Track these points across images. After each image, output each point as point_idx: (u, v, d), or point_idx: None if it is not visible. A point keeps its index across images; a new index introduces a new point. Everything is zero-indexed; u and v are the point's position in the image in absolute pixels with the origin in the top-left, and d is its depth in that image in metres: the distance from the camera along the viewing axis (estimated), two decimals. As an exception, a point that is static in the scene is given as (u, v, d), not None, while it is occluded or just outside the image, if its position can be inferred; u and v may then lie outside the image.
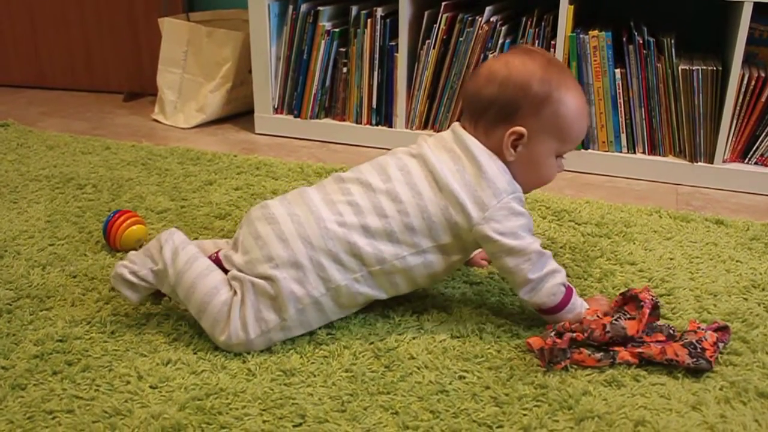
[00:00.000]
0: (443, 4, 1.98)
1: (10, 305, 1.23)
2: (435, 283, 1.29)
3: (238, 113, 2.42)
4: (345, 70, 2.13)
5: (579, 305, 1.16)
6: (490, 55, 1.95)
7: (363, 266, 1.12)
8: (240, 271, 1.11)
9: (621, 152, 1.94)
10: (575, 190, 1.84)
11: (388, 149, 2.07)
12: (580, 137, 1.19)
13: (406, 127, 2.10)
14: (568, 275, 1.33)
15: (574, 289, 1.17)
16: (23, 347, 1.11)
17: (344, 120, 2.17)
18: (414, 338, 1.14)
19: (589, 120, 1.22)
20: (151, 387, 1.02)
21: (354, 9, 2.08)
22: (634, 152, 1.93)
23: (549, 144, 1.15)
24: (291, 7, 2.13)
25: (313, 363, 1.08)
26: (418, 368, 1.07)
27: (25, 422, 0.95)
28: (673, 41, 1.81)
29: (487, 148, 1.14)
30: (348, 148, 2.14)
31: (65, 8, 2.71)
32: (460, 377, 1.05)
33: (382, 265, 1.12)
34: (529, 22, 1.93)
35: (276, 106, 2.23)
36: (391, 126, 2.12)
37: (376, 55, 2.07)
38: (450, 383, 1.03)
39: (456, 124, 1.19)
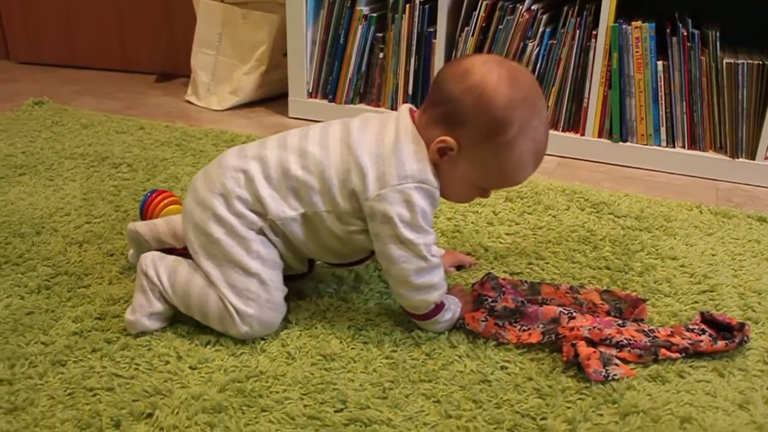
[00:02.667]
0: (483, -10, 1.96)
1: (49, 282, 1.23)
2: (353, 254, 1.17)
3: (272, 97, 2.41)
4: (381, 55, 2.11)
5: (446, 319, 1.10)
6: (529, 44, 1.92)
7: (266, 215, 1.07)
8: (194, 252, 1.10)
9: (660, 146, 1.91)
10: (613, 182, 1.81)
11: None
12: (514, 184, 1.10)
13: (442, 115, 2.08)
14: (608, 268, 1.32)
15: (446, 304, 1.09)
16: (62, 324, 1.11)
17: (379, 106, 2.16)
18: (455, 327, 1.13)
19: (532, 171, 1.08)
20: (190, 368, 1.02)
21: (392, -6, 2.06)
22: (674, 146, 1.90)
23: (475, 173, 1.06)
24: (328, -9, 2.11)
25: (353, 348, 1.07)
26: (460, 357, 1.05)
27: (66, 398, 0.95)
28: (718, 34, 1.78)
29: (421, 136, 1.06)
30: (382, 134, 2.13)
31: (100, -12, 2.71)
32: (502, 367, 1.03)
33: (282, 220, 1.07)
34: (570, 12, 1.90)
35: (310, 91, 2.22)
36: (426, 113, 2.09)
37: (414, 41, 2.05)
38: (492, 373, 1.02)
39: (405, 105, 1.12)
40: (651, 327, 1.11)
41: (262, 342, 1.07)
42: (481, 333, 1.10)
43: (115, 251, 1.34)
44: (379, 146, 1.05)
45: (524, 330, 1.09)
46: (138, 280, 1.11)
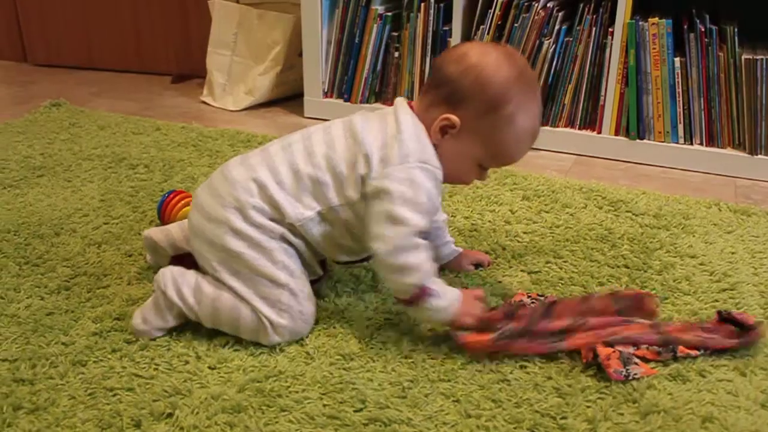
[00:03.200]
0: (499, -12, 1.95)
1: (68, 282, 1.24)
2: (363, 250, 1.14)
3: (287, 97, 2.41)
4: (396, 54, 2.11)
5: (436, 307, 1.05)
6: (545, 42, 1.92)
7: (283, 220, 1.07)
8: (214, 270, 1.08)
9: (677, 143, 1.89)
10: (630, 180, 1.80)
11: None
12: (511, 161, 1.13)
13: (458, 114, 2.07)
14: (626, 266, 1.31)
15: (433, 290, 1.04)
16: (82, 324, 1.12)
17: (394, 105, 2.15)
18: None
19: (528, 148, 1.12)
20: (210, 368, 1.02)
21: (407, -7, 2.06)
22: (691, 143, 1.89)
23: (475, 149, 1.09)
24: (343, -9, 2.11)
25: (371, 348, 1.07)
26: (479, 357, 1.05)
27: (87, 398, 0.96)
28: (736, 30, 1.76)
29: (421, 121, 1.09)
30: (398, 133, 2.12)
31: (116, -11, 2.73)
32: (521, 366, 1.03)
33: (301, 221, 1.07)
34: (586, 9, 1.89)
35: (326, 90, 2.22)
36: (442, 112, 2.09)
37: (429, 40, 2.05)
38: (511, 372, 1.01)
39: (400, 98, 1.14)
40: (658, 322, 1.10)
41: (282, 342, 1.07)
42: (486, 349, 1.05)
43: (133, 252, 1.35)
44: (382, 134, 1.08)
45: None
46: (155, 295, 1.10)
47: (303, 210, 1.07)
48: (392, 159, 1.05)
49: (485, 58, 1.06)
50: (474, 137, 1.08)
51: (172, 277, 1.09)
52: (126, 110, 2.31)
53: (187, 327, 1.10)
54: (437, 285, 1.06)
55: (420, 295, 1.04)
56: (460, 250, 1.31)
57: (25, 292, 1.21)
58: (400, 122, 1.08)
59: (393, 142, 1.06)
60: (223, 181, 1.10)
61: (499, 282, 1.26)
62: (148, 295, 1.18)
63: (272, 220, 1.07)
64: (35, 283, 1.24)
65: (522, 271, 1.30)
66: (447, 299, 1.06)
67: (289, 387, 0.98)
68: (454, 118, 1.07)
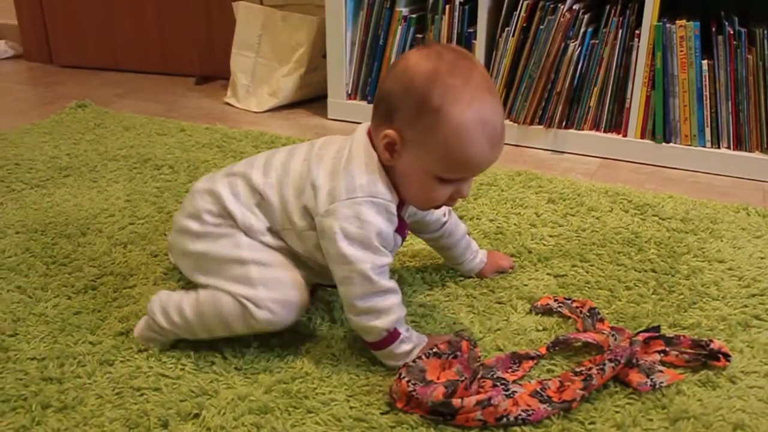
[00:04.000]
0: (524, -10, 1.95)
1: (95, 282, 1.25)
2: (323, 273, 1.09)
3: (311, 98, 2.41)
4: (421, 56, 2.10)
5: (402, 351, 1.01)
6: (571, 44, 1.90)
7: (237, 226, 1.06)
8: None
9: (704, 146, 1.87)
10: (656, 184, 1.79)
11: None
12: (471, 164, 0.99)
13: (482, 116, 2.06)
14: (654, 271, 1.30)
15: (402, 335, 1.01)
16: (109, 324, 1.12)
17: (418, 107, 2.15)
18: (499, 330, 1.12)
19: (489, 146, 0.97)
20: (236, 368, 1.02)
21: (432, -5, 2.05)
22: (719, 147, 1.87)
23: (424, 160, 0.98)
24: (368, -8, 2.11)
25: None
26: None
27: (114, 398, 0.96)
28: (766, 32, 1.74)
29: (375, 146, 1.02)
30: (421, 135, 2.12)
31: (141, -9, 2.75)
32: (548, 370, 1.02)
33: (248, 228, 1.05)
34: (613, 11, 1.88)
35: (349, 92, 2.22)
36: (466, 114, 2.08)
37: (453, 43, 2.04)
38: (538, 375, 1.01)
39: (363, 123, 1.07)
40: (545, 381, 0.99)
41: (307, 344, 1.07)
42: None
43: (159, 252, 1.35)
44: (335, 164, 1.02)
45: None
46: (147, 320, 1.08)
47: (254, 221, 1.05)
48: (338, 193, 1.00)
49: (411, 60, 0.98)
50: (417, 148, 0.98)
51: (159, 303, 1.07)
52: (150, 111, 2.33)
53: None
54: (404, 329, 1.02)
55: (388, 339, 1.01)
56: (485, 260, 1.29)
57: (53, 292, 1.22)
58: (351, 151, 1.02)
59: (341, 174, 1.01)
60: (188, 194, 1.13)
61: (525, 285, 1.25)
62: (174, 296, 1.19)
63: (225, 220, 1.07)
64: (62, 283, 1.24)
65: (548, 274, 1.29)
66: (414, 341, 1.03)
67: (315, 388, 0.98)
68: (391, 132, 0.98)
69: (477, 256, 1.27)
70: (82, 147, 1.93)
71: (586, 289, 1.25)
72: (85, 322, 1.12)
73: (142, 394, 0.97)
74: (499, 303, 1.20)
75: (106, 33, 2.83)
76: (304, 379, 0.99)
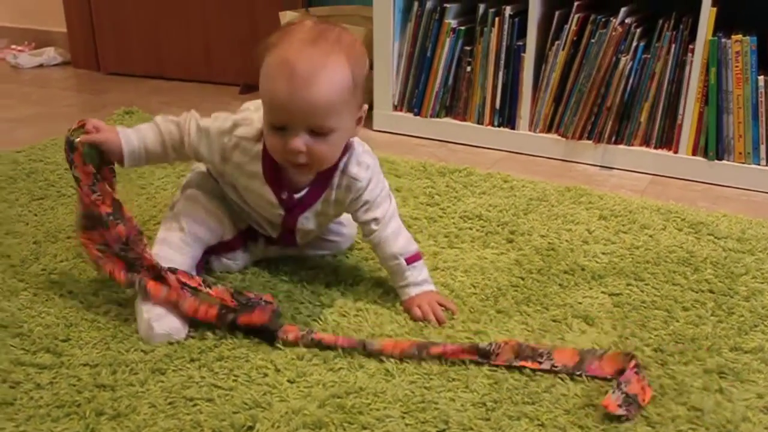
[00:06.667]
0: (575, 3, 1.92)
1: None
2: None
3: (355, 109, 2.40)
4: (469, 68, 2.09)
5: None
6: (622, 58, 1.88)
7: None
8: None
9: (759, 164, 1.83)
10: (709, 202, 1.75)
11: (510, 151, 2.05)
12: (273, 103, 1.07)
13: (530, 130, 2.04)
14: (711, 291, 1.28)
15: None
16: (160, 332, 1.12)
17: (465, 120, 2.13)
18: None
19: (285, 84, 1.04)
20: (289, 381, 1.01)
21: (481, 7, 2.03)
22: (774, 165, 1.83)
23: (265, 110, 1.11)
24: (416, 4, 2.10)
25: (451, 366, 1.04)
26: (563, 380, 1.02)
27: (167, 407, 0.95)
28: (825, 49, 1.71)
29: None
30: (468, 148, 2.10)
31: (188, 2, 2.76)
32: (607, 392, 0.99)
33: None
34: (666, 25, 1.85)
35: (396, 104, 2.21)
36: (513, 128, 2.07)
37: (502, 55, 2.02)
38: (597, 398, 0.98)
39: None
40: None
41: (360, 358, 1.06)
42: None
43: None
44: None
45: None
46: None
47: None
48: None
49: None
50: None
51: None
52: (196, 119, 2.33)
53: (263, 339, 1.09)
54: None
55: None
56: (411, 295, 1.20)
57: (104, 298, 1.21)
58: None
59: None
60: None
61: (580, 303, 1.23)
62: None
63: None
64: (113, 289, 1.24)
65: (603, 292, 1.27)
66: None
67: (370, 404, 0.96)
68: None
69: (406, 288, 1.21)
70: (130, 154, 1.94)
71: (642, 308, 1.22)
72: (137, 330, 1.12)
73: (195, 405, 0.96)
74: (554, 321, 1.17)
75: (153, 41, 2.86)
76: (359, 393, 0.98)
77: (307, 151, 1.08)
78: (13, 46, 3.20)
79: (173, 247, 1.21)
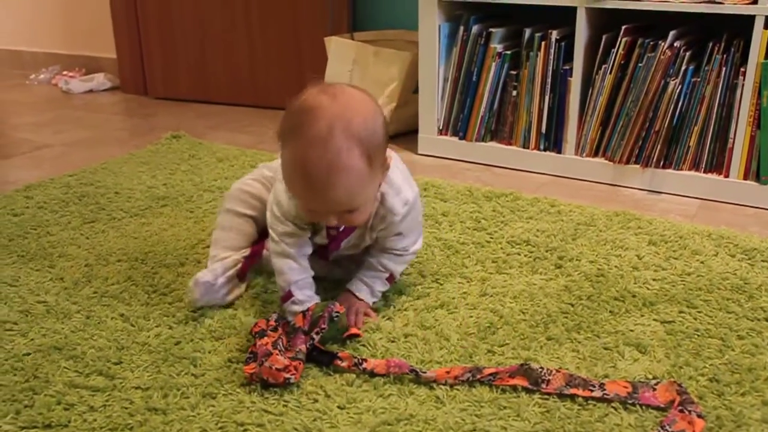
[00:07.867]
0: (623, 27, 1.91)
1: (195, 313, 1.25)
2: None
3: (401, 133, 2.41)
4: (514, 93, 2.08)
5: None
6: (671, 82, 1.86)
7: None
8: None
9: (813, 189, 1.80)
10: (762, 227, 1.71)
11: (556, 176, 2.03)
12: (296, 195, 1.13)
13: (576, 154, 2.03)
14: (767, 320, 1.24)
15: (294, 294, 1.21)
16: (210, 356, 1.13)
17: (511, 144, 2.12)
18: (606, 377, 1.08)
19: (300, 186, 1.09)
20: (339, 407, 1.00)
21: (527, 31, 2.03)
22: (829, 190, 1.79)
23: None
24: (462, 28, 2.10)
25: (502, 393, 1.03)
26: (615, 409, 1.00)
27: (218, 432, 0.96)
28: None
29: None
30: (513, 172, 2.09)
31: (233, 28, 2.81)
32: (661, 421, 0.97)
33: None
34: (716, 48, 1.83)
35: (441, 128, 2.21)
36: (560, 152, 2.05)
37: (549, 79, 2.01)
38: (652, 428, 0.96)
39: None
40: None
41: (410, 384, 1.05)
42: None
43: (255, 284, 1.36)
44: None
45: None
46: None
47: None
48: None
49: (309, 92, 1.11)
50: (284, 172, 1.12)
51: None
52: (241, 143, 2.36)
53: (312, 365, 1.09)
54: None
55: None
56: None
57: (154, 321, 1.23)
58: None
59: None
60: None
61: (632, 331, 1.21)
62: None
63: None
64: (163, 312, 1.25)
65: (655, 320, 1.25)
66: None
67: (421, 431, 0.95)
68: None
69: (364, 290, 1.28)
70: (178, 177, 1.97)
71: (696, 336, 1.19)
72: (187, 353, 1.13)
73: (245, 430, 0.96)
74: (606, 349, 1.15)
75: (199, 66, 2.91)
76: (409, 421, 0.97)
77: (339, 221, 1.14)
78: (65, 72, 3.29)
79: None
